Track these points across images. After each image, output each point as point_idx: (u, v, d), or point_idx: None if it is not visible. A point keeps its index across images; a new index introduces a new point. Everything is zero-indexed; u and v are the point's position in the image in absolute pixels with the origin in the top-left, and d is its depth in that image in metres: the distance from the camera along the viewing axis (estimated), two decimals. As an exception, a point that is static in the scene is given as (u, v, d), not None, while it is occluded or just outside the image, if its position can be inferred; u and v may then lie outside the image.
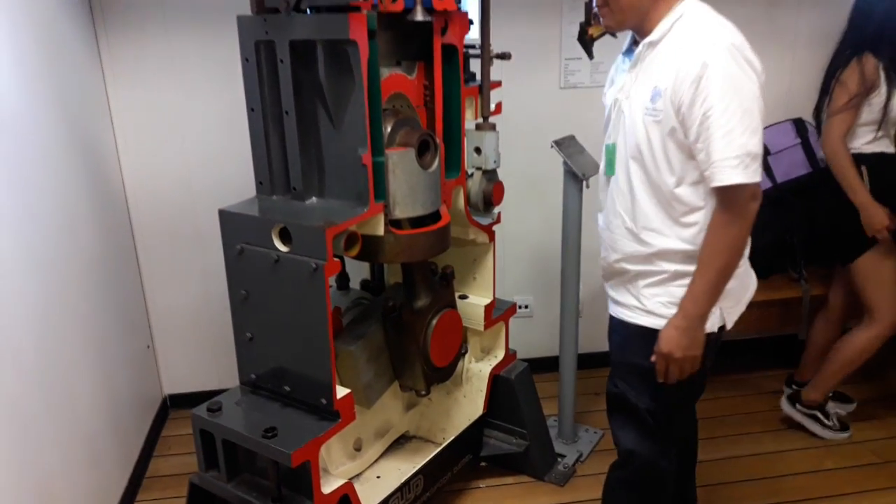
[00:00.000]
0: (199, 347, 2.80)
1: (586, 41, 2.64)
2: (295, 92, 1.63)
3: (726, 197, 1.43)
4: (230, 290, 1.76)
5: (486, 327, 2.19)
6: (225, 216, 1.69)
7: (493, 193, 2.02)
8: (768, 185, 2.81)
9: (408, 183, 1.72)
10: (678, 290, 1.55)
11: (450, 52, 1.82)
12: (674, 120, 1.44)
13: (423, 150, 1.76)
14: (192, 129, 2.52)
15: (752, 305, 1.73)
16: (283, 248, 1.62)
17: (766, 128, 2.80)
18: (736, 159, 1.39)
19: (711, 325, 1.54)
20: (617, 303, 1.69)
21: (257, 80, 1.67)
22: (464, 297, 2.22)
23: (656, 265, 1.57)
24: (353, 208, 1.66)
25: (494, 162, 1.99)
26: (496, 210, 2.13)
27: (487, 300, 2.20)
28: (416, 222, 1.81)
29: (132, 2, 2.37)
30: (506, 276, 2.93)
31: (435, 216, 1.83)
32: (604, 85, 2.68)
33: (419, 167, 1.73)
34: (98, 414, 2.15)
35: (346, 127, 1.63)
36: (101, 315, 2.24)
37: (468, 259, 2.21)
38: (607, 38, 2.66)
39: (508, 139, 2.60)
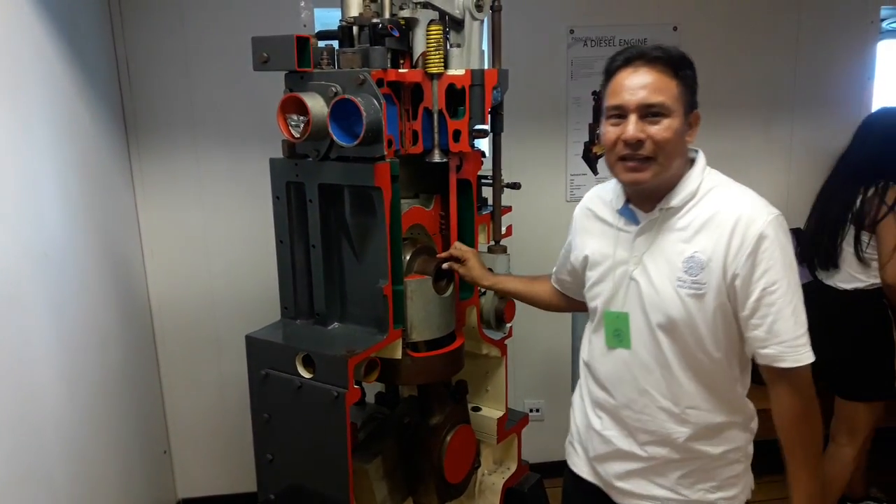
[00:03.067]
0: (212, 452, 2.85)
1: (590, 158, 2.81)
2: (322, 228, 1.75)
3: (797, 377, 1.36)
4: (253, 413, 1.83)
5: (499, 440, 2.24)
6: (251, 342, 1.79)
7: (504, 311, 2.11)
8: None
9: (425, 308, 1.82)
10: (723, 470, 1.47)
11: (464, 185, 1.95)
12: (723, 293, 1.36)
13: (440, 277, 1.87)
14: (216, 244, 2.65)
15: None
16: (306, 374, 1.71)
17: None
18: (805, 337, 1.34)
19: None
20: (639, 497, 1.52)
21: (287, 216, 1.79)
22: (476, 409, 2.28)
23: (698, 447, 1.44)
24: (374, 335, 1.75)
25: (506, 283, 2.09)
26: (507, 325, 2.21)
27: (500, 412, 2.26)
28: (432, 343, 1.89)
29: (164, 127, 2.54)
30: (516, 379, 2.99)
31: (450, 336, 1.92)
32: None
33: (435, 293, 1.84)
34: (117, 523, 2.20)
35: (369, 260, 1.75)
36: (124, 425, 2.31)
37: (481, 371, 2.28)
38: (611, 155, 2.82)
39: (519, 248, 2.72)
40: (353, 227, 1.75)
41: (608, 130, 1.42)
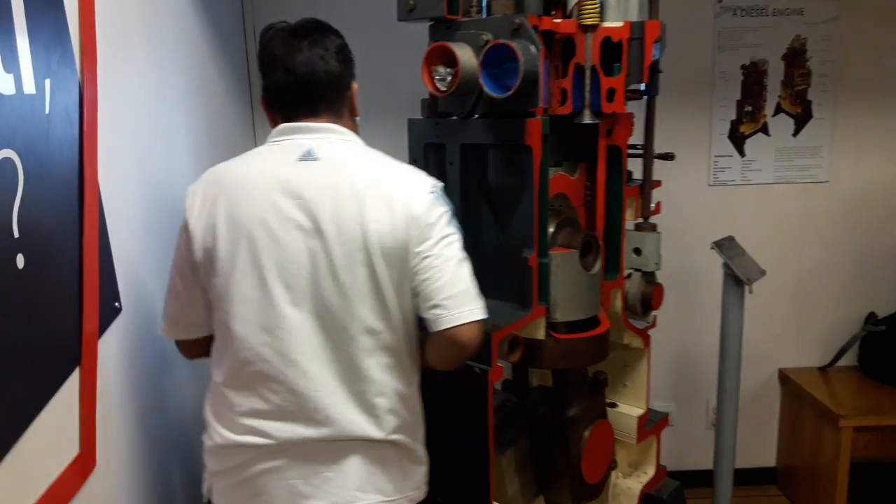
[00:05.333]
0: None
1: (737, 138, 2.57)
2: (461, 192, 1.62)
3: None
4: (383, 390, 1.71)
5: (638, 441, 2.04)
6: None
7: (652, 296, 1.91)
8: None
9: (570, 285, 1.66)
10: None
11: (614, 153, 1.77)
12: None
13: (586, 251, 1.70)
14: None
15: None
16: (444, 350, 1.57)
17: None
18: None
19: None
20: None
21: (423, 180, 1.67)
22: (612, 405, 2.09)
23: None
24: (515, 311, 1.60)
25: (655, 264, 1.90)
26: (653, 314, 2.01)
27: (640, 410, 2.06)
28: (573, 327, 1.72)
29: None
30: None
31: (592, 321, 1.75)
32: (754, 183, 2.61)
33: (582, 269, 1.67)
34: None
35: (513, 228, 1.60)
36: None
37: (618, 364, 2.09)
38: (759, 135, 2.57)
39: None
40: (496, 192, 1.61)
41: None
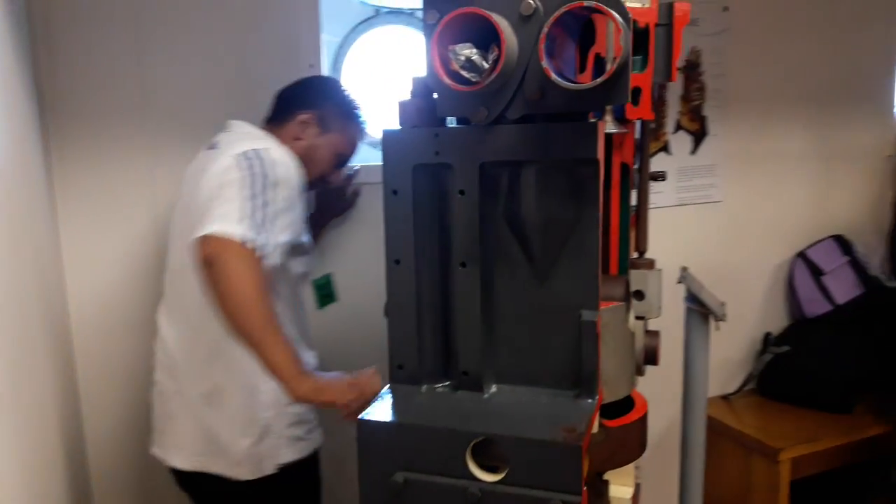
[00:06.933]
0: None
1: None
2: (480, 234, 1.10)
3: None
4: (369, 545, 1.11)
5: (634, 526, 1.65)
6: (371, 429, 1.07)
7: (656, 350, 1.55)
8: (828, 308, 2.58)
9: (618, 352, 1.23)
10: None
11: (624, 172, 1.39)
12: None
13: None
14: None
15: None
16: (487, 477, 1.03)
17: (810, 246, 2.64)
18: None
19: None
20: None
21: (412, 221, 1.12)
22: (595, 486, 1.68)
23: None
24: (571, 400, 1.12)
25: (659, 309, 1.54)
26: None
27: (630, 489, 1.67)
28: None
29: (102, 116, 1.74)
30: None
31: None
32: (659, 206, 2.41)
33: (628, 328, 1.24)
34: None
35: (562, 278, 1.11)
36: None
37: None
38: (662, 154, 2.39)
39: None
40: (533, 231, 1.11)
41: None
